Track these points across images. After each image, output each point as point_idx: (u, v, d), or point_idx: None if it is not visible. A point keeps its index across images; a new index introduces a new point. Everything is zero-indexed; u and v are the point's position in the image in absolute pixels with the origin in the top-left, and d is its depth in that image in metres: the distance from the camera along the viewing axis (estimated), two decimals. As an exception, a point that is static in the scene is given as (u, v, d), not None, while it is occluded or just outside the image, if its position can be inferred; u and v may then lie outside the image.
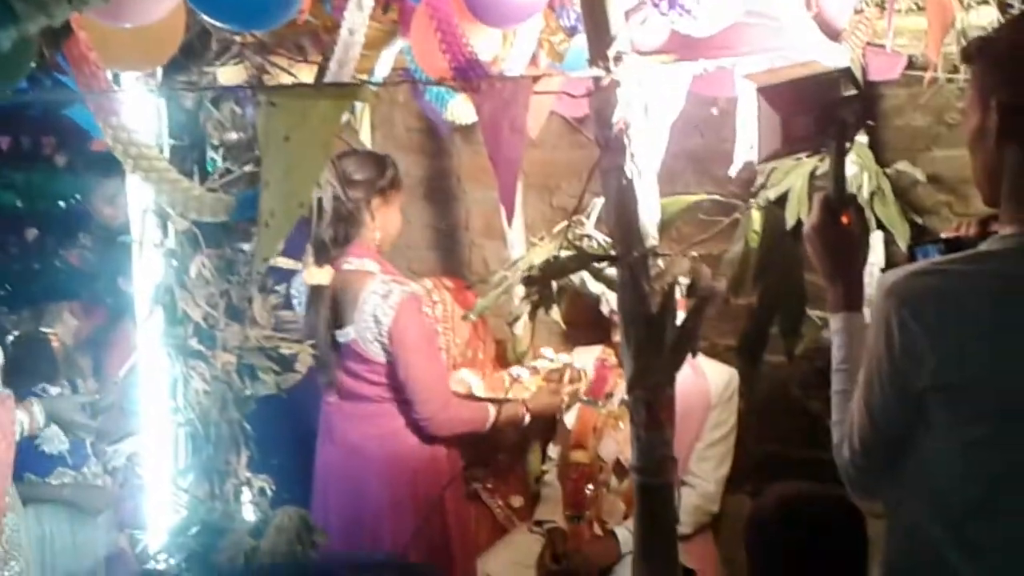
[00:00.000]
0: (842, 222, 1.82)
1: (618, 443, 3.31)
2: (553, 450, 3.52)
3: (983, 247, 1.62)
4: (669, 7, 2.01)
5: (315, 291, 3.00)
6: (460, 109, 2.95)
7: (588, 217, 2.10)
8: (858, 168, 2.91)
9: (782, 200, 2.69)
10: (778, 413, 3.53)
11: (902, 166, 2.91)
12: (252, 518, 2.56)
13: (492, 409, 3.22)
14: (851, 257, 1.81)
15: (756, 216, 2.03)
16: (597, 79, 1.88)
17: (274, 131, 1.34)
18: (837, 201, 1.82)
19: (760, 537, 1.77)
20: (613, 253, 1.89)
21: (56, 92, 1.72)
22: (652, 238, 1.90)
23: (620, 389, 3.38)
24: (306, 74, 2.57)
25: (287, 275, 3.00)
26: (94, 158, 2.35)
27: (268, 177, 1.34)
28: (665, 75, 2.09)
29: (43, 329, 2.61)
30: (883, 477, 1.71)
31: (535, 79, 1.85)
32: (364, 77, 2.52)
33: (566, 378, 3.39)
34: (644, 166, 1.90)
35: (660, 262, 1.91)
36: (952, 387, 1.56)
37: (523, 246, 3.61)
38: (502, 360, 3.68)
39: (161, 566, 2.42)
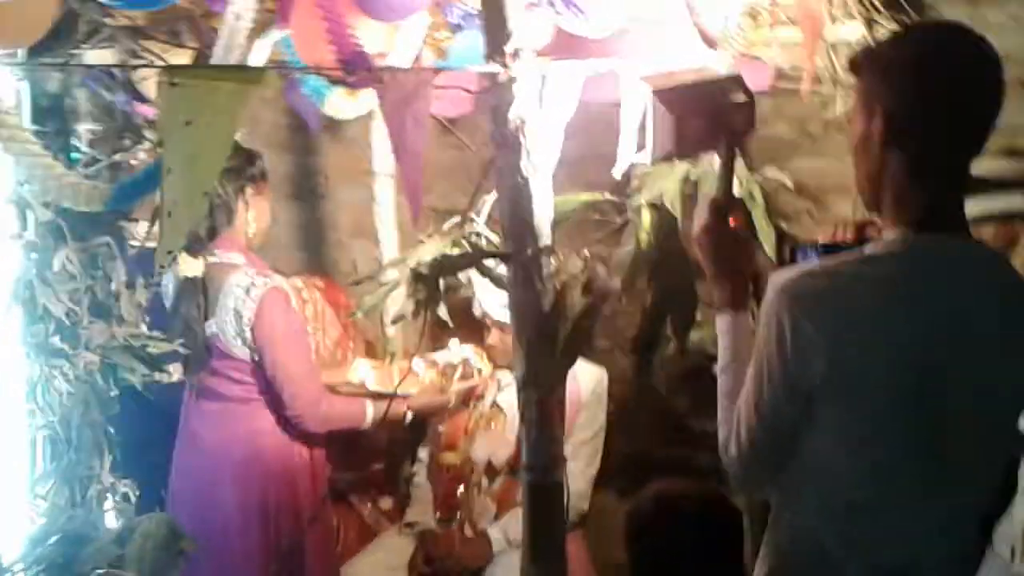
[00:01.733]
0: (729, 224, 1.86)
1: (489, 444, 3.31)
2: (423, 451, 3.48)
3: (868, 250, 1.69)
4: (565, 6, 2.03)
5: (186, 283, 2.88)
6: (339, 104, 2.90)
7: (479, 215, 2.08)
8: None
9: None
10: (645, 413, 3.60)
11: (771, 172, 3.02)
12: (116, 525, 2.42)
13: (371, 406, 3.11)
14: (738, 258, 1.85)
15: (647, 216, 2.06)
16: (493, 75, 1.87)
17: (175, 114, 1.27)
18: (725, 203, 1.87)
19: (639, 534, 1.79)
20: (505, 251, 1.89)
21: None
22: (546, 236, 1.91)
23: (490, 391, 3.38)
24: (181, 61, 2.47)
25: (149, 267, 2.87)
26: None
27: (170, 163, 1.27)
28: (560, 74, 2.10)
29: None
30: (770, 475, 1.76)
31: (436, 72, 1.82)
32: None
33: (456, 375, 3.30)
34: (539, 164, 1.91)
35: (553, 261, 1.91)
36: (841, 386, 1.61)
37: (395, 246, 3.57)
38: (372, 360, 3.62)
39: (17, 577, 2.27)
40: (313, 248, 4.22)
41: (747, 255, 1.88)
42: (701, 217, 1.87)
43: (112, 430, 2.40)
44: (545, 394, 1.88)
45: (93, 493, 2.36)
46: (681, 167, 2.84)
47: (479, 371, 3.34)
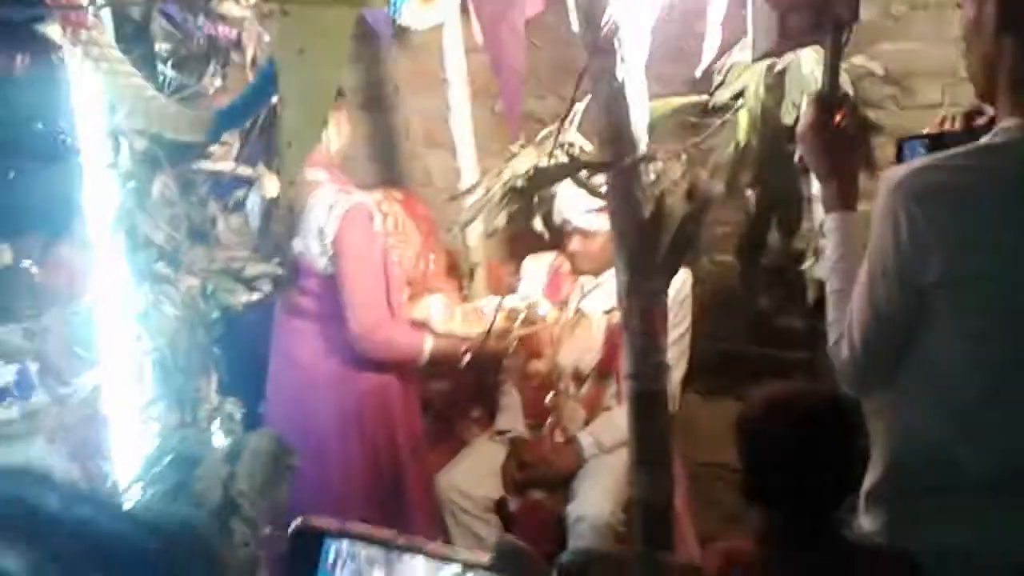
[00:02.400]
0: (836, 121, 1.82)
1: (575, 350, 3.33)
2: (508, 360, 3.51)
3: (985, 140, 1.64)
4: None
5: (272, 203, 2.90)
6: (414, 13, 2.86)
7: (570, 123, 2.05)
8: (814, 63, 2.91)
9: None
10: (728, 312, 3.59)
11: (859, 60, 2.92)
12: (224, 444, 2.50)
13: (429, 341, 3.10)
14: (846, 156, 1.81)
15: (745, 116, 2.01)
16: (585, -22, 1.83)
17: (288, 44, 1.26)
18: (831, 99, 1.82)
19: (753, 437, 1.79)
20: (603, 160, 1.87)
21: (23, 7, 1.59)
22: (643, 143, 1.88)
23: (574, 296, 3.38)
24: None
25: (232, 188, 2.88)
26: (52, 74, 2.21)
27: (287, 95, 1.26)
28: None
29: (23, 262, 2.46)
30: (883, 375, 1.75)
31: (531, -20, 1.78)
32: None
33: (519, 319, 3.24)
34: (634, 68, 1.87)
35: (651, 167, 1.89)
36: (958, 281, 1.59)
37: (472, 155, 3.55)
38: (454, 273, 3.64)
39: (136, 497, 2.36)
40: (386, 159, 4.21)
41: (856, 152, 1.84)
42: (806, 114, 1.82)
43: (217, 351, 2.45)
44: (648, 303, 1.87)
45: (203, 414, 2.43)
46: (765, 60, 2.77)
47: (543, 317, 3.31)
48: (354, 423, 3.06)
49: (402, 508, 3.13)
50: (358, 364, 3.07)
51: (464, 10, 3.24)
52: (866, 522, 1.86)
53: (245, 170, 2.50)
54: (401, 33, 3.82)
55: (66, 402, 2.93)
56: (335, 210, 2.94)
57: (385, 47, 3.89)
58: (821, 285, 2.98)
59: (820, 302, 3.04)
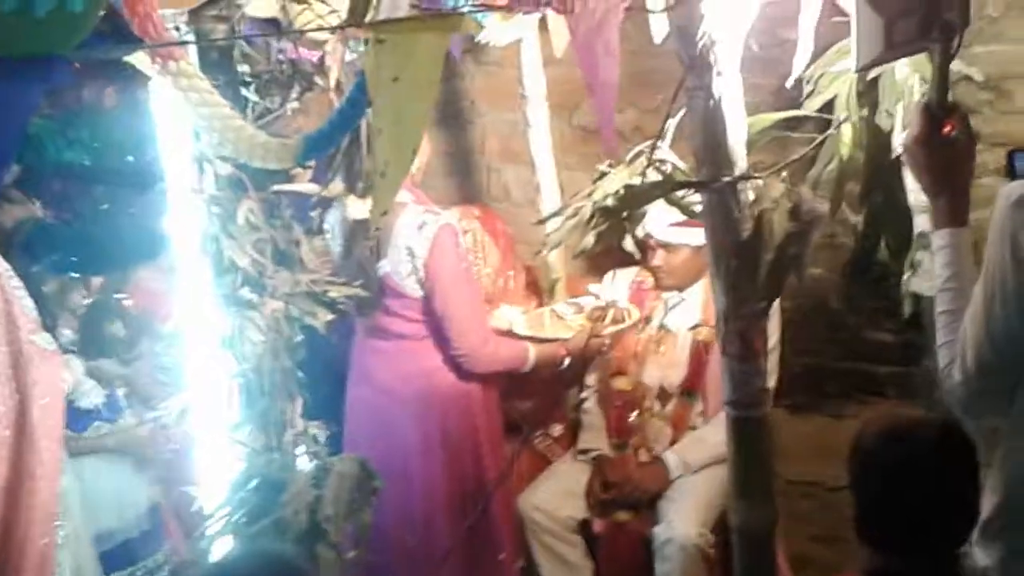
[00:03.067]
0: (945, 131, 1.73)
1: (660, 368, 3.26)
2: (590, 377, 3.45)
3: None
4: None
5: (356, 225, 2.88)
6: (492, 29, 2.82)
7: (663, 140, 1.99)
8: (908, 69, 2.81)
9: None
10: (816, 326, 3.48)
11: (955, 65, 2.80)
12: (309, 468, 2.48)
13: (532, 348, 3.13)
14: (956, 169, 1.73)
15: (848, 129, 1.93)
16: (679, -9, 1.77)
17: (383, 72, 1.22)
18: (940, 109, 1.73)
19: (868, 465, 1.71)
20: (701, 179, 1.81)
21: (115, 43, 1.57)
22: (741, 160, 1.81)
23: (658, 312, 3.31)
24: (337, 1, 2.42)
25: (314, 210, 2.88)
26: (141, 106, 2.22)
27: (380, 123, 1.23)
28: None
29: (116, 295, 2.49)
30: (998, 401, 1.66)
31: (625, -6, 1.72)
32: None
33: (608, 318, 3.25)
34: (731, 83, 1.81)
35: (750, 185, 1.82)
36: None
37: (551, 171, 3.50)
38: (534, 288, 3.59)
39: (222, 522, 2.35)
40: (463, 174, 4.17)
41: (967, 164, 1.74)
42: (913, 125, 1.74)
43: (301, 375, 2.44)
44: (748, 326, 1.80)
45: (288, 438, 2.41)
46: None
47: (628, 311, 3.27)
48: (438, 443, 3.03)
49: (487, 529, 3.09)
50: (443, 384, 3.06)
51: (543, 25, 3.19)
52: (980, 557, 1.77)
53: (328, 192, 2.49)
54: (477, 48, 3.79)
55: (153, 426, 2.95)
56: (425, 231, 2.92)
57: (460, 62, 3.85)
58: (917, 298, 2.88)
59: (916, 316, 2.96)
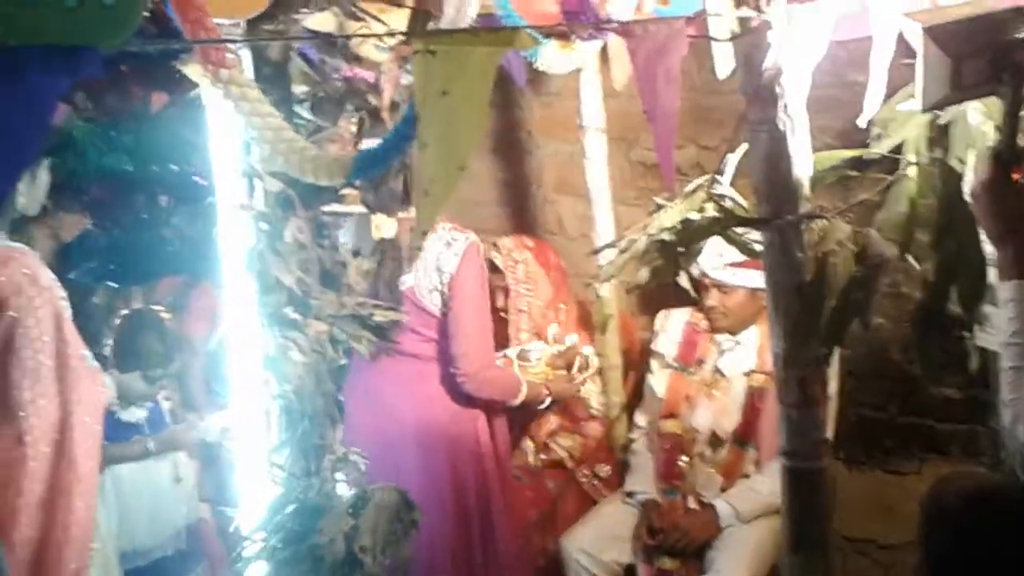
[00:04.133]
0: (1014, 178, 1.64)
1: (712, 412, 3.16)
2: (640, 418, 3.36)
3: None
4: (820, -59, 1.82)
5: (384, 244, 2.84)
6: (552, 58, 2.77)
7: (722, 175, 1.92)
8: (982, 115, 2.70)
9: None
10: (877, 378, 3.36)
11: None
12: (347, 494, 2.41)
13: (525, 385, 3.18)
14: (1024, 217, 1.63)
15: (916, 172, 1.85)
16: (745, 21, 1.70)
17: (432, 84, 1.17)
18: (1009, 155, 1.64)
19: (941, 525, 1.60)
20: (762, 216, 1.73)
21: (164, 41, 1.56)
22: (806, 198, 1.73)
23: (711, 355, 3.22)
24: (397, 20, 2.39)
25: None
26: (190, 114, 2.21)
27: (426, 137, 1.18)
28: (813, 16, 1.90)
29: (154, 306, 2.46)
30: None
31: (688, 21, 1.66)
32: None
33: (575, 367, 3.38)
34: (796, 117, 1.73)
35: (813, 225, 1.74)
36: None
37: (607, 204, 3.44)
38: (585, 323, 3.52)
39: (258, 545, 2.29)
40: (517, 205, 4.14)
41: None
42: (981, 170, 1.65)
43: (343, 399, 2.38)
44: (807, 374, 1.71)
45: (327, 463, 2.35)
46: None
47: (589, 359, 3.41)
48: (445, 480, 3.01)
49: (492, 559, 3.05)
50: (453, 410, 3.06)
51: (604, 55, 3.14)
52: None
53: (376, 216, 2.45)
54: (536, 77, 3.75)
55: (196, 441, 2.92)
56: (454, 248, 2.95)
57: (518, 91, 3.82)
58: (984, 353, 2.76)
59: (982, 371, 2.83)
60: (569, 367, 3.38)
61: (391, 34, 1.94)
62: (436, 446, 3.01)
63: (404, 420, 2.99)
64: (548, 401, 3.30)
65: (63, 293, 2.27)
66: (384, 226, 2.84)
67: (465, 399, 3.06)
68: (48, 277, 2.23)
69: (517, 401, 3.17)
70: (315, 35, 2.13)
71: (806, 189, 1.72)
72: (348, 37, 2.03)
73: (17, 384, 2.16)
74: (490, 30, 1.48)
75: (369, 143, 2.13)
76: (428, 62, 1.17)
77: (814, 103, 2.95)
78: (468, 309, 2.97)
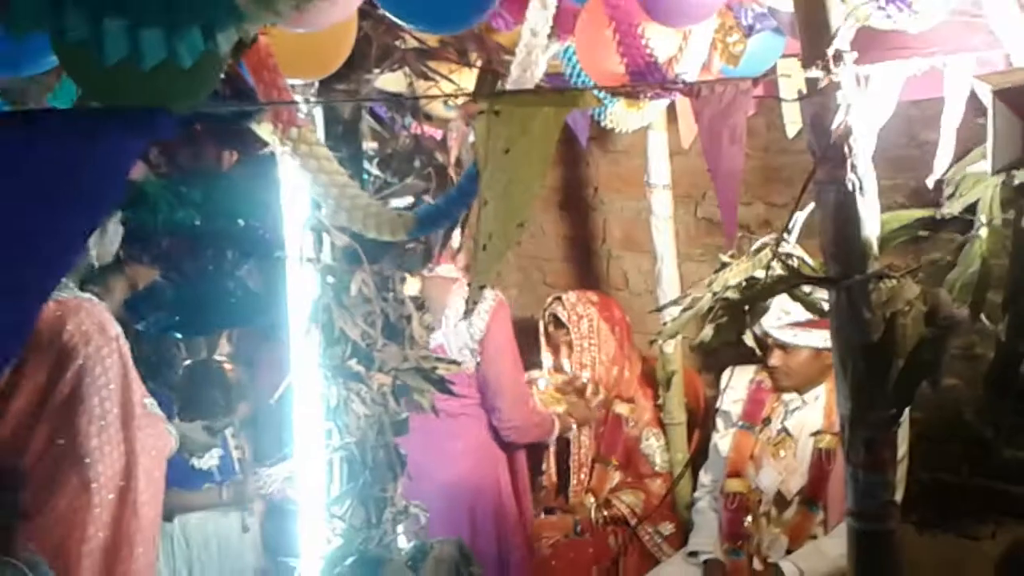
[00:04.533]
0: None
1: (778, 472, 3.11)
2: (705, 476, 3.32)
3: None
4: (888, 1, 1.82)
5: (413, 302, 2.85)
6: (620, 115, 2.78)
7: (790, 233, 1.91)
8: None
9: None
10: (949, 440, 3.28)
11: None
12: (407, 547, 2.41)
13: (557, 420, 3.29)
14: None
15: (987, 232, 1.81)
16: (813, 81, 1.69)
17: (495, 142, 1.19)
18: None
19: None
20: (831, 275, 1.71)
21: (235, 103, 1.61)
22: (874, 258, 1.71)
23: (777, 414, 3.17)
24: (466, 80, 2.44)
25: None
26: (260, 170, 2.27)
27: (488, 195, 1.20)
28: (881, 76, 1.89)
29: (217, 357, 2.52)
30: None
31: (755, 82, 1.67)
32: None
33: (589, 391, 3.45)
34: (865, 177, 1.71)
35: (882, 285, 1.71)
36: None
37: (672, 260, 3.43)
38: (649, 380, 3.50)
39: (318, 598, 2.30)
40: (582, 261, 4.15)
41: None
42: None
43: (404, 452, 2.39)
44: (876, 435, 1.68)
45: (388, 516, 2.36)
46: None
47: (595, 386, 3.47)
48: (464, 530, 3.00)
49: None
50: (479, 466, 3.11)
51: (671, 113, 3.15)
52: None
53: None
54: (602, 135, 3.78)
55: (260, 491, 2.96)
56: (482, 305, 3.00)
57: (582, 148, 3.84)
58: (1062, 417, 2.68)
59: (1059, 435, 2.74)
60: (580, 393, 3.45)
61: (459, 95, 1.97)
62: (462, 501, 3.06)
63: (432, 478, 2.98)
64: (575, 428, 3.40)
65: (127, 343, 2.34)
66: (409, 285, 2.86)
67: (491, 448, 3.15)
68: (115, 327, 2.30)
69: (554, 437, 3.30)
70: (383, 96, 2.18)
71: (875, 249, 1.70)
72: (416, 99, 2.06)
73: (84, 431, 2.22)
74: (555, 90, 1.50)
75: (397, 203, 2.18)
76: (492, 121, 1.18)
77: (886, 162, 2.93)
78: (507, 363, 3.08)
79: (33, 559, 2.13)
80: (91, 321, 2.24)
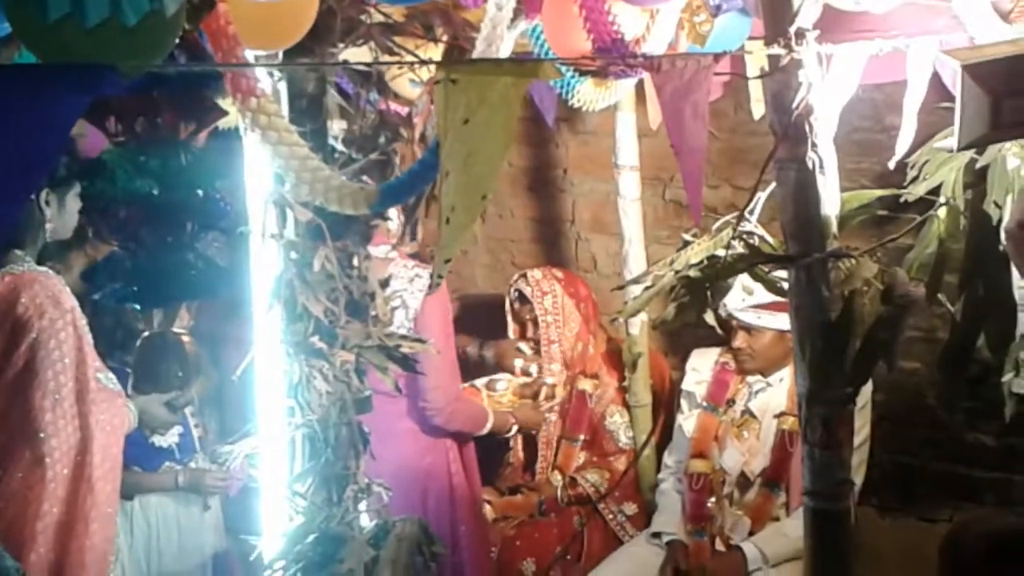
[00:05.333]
0: None
1: (742, 454, 3.13)
2: (669, 458, 3.33)
3: None
4: (853, -21, 1.82)
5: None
6: (587, 94, 2.77)
7: (751, 212, 1.91)
8: (1020, 160, 2.67)
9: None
10: (910, 423, 3.31)
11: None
12: (370, 526, 2.41)
13: (492, 415, 3.25)
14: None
15: (946, 212, 1.83)
16: (775, 59, 1.70)
17: (453, 112, 1.18)
18: (1048, 195, 1.62)
19: (962, 570, 1.57)
20: (790, 254, 1.72)
21: (187, 65, 1.59)
22: (833, 237, 1.72)
23: (742, 396, 3.19)
24: (432, 55, 2.42)
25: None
26: (223, 143, 2.25)
27: (448, 166, 1.19)
28: (843, 55, 1.90)
29: (175, 330, 2.49)
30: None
31: (716, 58, 1.67)
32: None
33: (542, 395, 3.46)
34: (825, 156, 1.72)
35: (841, 264, 1.72)
36: None
37: (640, 242, 3.43)
38: (614, 359, 3.51)
39: (279, 574, 2.29)
40: (551, 242, 4.15)
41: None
42: (1017, 209, 1.63)
43: (367, 430, 2.38)
44: (833, 413, 1.69)
45: (349, 493, 2.35)
46: (964, 154, 2.56)
47: (554, 388, 3.49)
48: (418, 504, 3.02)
49: None
50: (425, 437, 3.09)
51: (640, 94, 3.15)
52: None
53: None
54: (572, 116, 3.77)
55: (221, 469, 2.94)
56: (417, 283, 2.97)
57: (554, 129, 3.83)
58: (1021, 400, 2.70)
59: (1019, 418, 2.77)
60: (535, 396, 3.46)
61: (419, 63, 1.96)
62: (412, 482, 3.03)
63: (381, 458, 2.95)
64: (515, 430, 3.38)
65: (83, 316, 2.31)
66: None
67: (434, 432, 3.11)
68: (70, 300, 2.27)
69: (484, 431, 3.24)
70: (341, 64, 2.16)
71: (834, 228, 1.71)
72: (370, 65, 2.05)
73: (38, 405, 2.20)
74: (514, 61, 1.50)
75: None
76: (450, 91, 1.18)
77: (851, 145, 2.96)
78: (438, 343, 2.94)
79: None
80: (45, 294, 2.22)
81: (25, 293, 2.20)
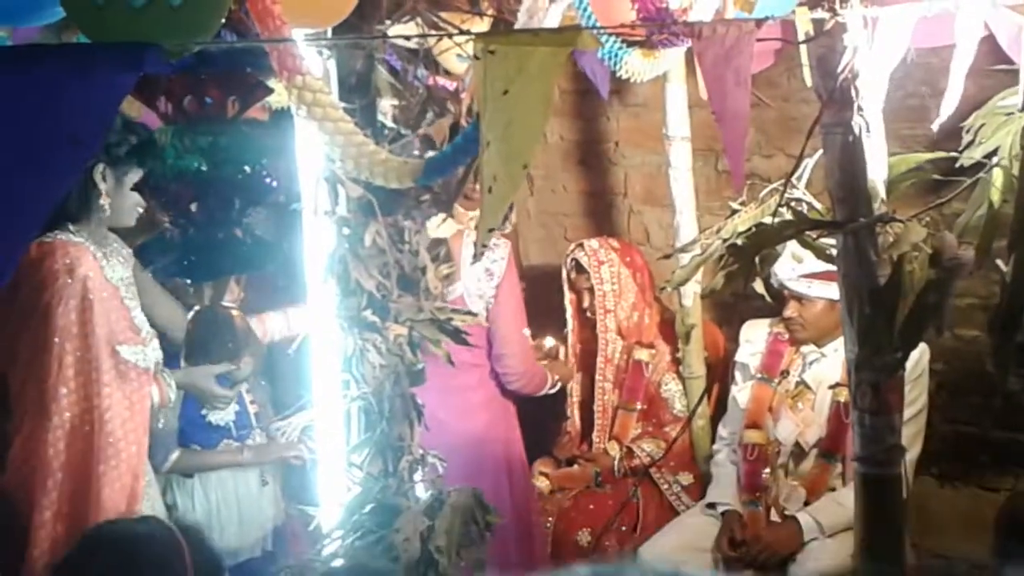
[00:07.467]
0: None
1: (796, 424, 3.11)
2: (723, 429, 3.33)
3: None
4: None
5: (434, 245, 2.83)
6: (636, 65, 2.76)
7: (799, 179, 1.90)
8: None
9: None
10: (970, 391, 3.27)
11: None
12: (425, 496, 2.45)
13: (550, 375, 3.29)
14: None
15: (998, 175, 1.80)
16: (819, 23, 1.69)
17: (492, 84, 1.20)
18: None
19: (1016, 546, 1.55)
20: (836, 220, 1.71)
21: (229, 42, 1.63)
22: (881, 202, 1.71)
23: (796, 367, 3.17)
24: (478, 30, 2.43)
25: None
26: (274, 121, 2.30)
27: (489, 136, 1.20)
28: (891, 19, 1.87)
29: (225, 303, 2.55)
30: None
31: (758, 23, 1.66)
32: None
33: (561, 354, 3.54)
34: (872, 120, 1.71)
35: (889, 229, 1.71)
36: None
37: (692, 213, 3.42)
38: (669, 330, 3.50)
39: (336, 544, 2.35)
40: (603, 215, 4.14)
41: None
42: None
43: (421, 401, 2.42)
44: (882, 378, 1.69)
45: (404, 464, 2.39)
46: (1021, 118, 2.51)
47: (556, 347, 3.57)
48: (487, 473, 3.04)
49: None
50: (491, 410, 3.13)
51: (690, 64, 3.13)
52: None
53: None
54: (622, 88, 3.76)
55: (278, 442, 3.00)
56: (498, 251, 3.00)
57: (605, 102, 3.82)
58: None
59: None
60: (554, 356, 3.52)
61: (459, 33, 1.97)
62: (479, 455, 3.05)
63: (450, 430, 2.97)
64: (558, 386, 3.40)
65: (107, 288, 2.39)
66: (443, 226, 2.89)
67: (503, 399, 3.16)
68: (87, 270, 2.36)
69: (547, 391, 3.29)
70: (382, 38, 2.18)
71: (882, 192, 1.70)
72: (409, 38, 2.07)
73: (46, 368, 2.31)
74: (551, 31, 1.50)
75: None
76: (488, 62, 1.19)
77: (906, 111, 2.90)
78: (513, 309, 3.07)
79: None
80: (63, 261, 2.34)
81: (48, 259, 2.33)
